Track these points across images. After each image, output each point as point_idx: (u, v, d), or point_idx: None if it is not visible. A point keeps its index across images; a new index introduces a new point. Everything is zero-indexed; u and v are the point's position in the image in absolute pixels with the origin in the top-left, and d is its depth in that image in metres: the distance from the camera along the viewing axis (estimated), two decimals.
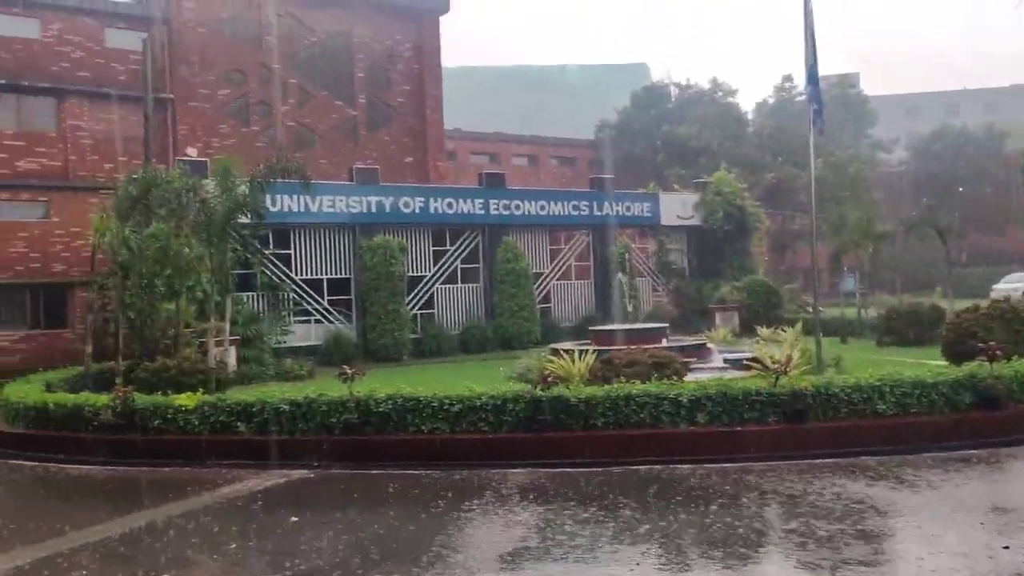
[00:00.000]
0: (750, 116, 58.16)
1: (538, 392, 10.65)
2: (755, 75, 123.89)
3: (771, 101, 58.43)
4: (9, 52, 27.71)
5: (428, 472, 9.97)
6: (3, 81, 27.44)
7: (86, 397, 12.57)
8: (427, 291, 26.15)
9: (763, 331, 19.75)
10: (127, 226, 15.25)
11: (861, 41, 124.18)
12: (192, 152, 27.66)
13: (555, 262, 29.03)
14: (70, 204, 27.96)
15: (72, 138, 28.37)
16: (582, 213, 28.81)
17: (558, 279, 29.10)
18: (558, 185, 44.16)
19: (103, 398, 12.16)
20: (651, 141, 51.34)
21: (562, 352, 15.23)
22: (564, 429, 10.47)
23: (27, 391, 13.73)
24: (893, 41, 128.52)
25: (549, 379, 11.08)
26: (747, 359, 14.34)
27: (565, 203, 28.64)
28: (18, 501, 10.19)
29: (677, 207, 31.37)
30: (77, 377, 16.01)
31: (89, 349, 15.60)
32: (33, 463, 11.67)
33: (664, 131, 50.81)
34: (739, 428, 10.28)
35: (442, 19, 36.25)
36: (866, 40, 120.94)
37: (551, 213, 28.14)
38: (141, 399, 11.85)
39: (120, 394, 11.79)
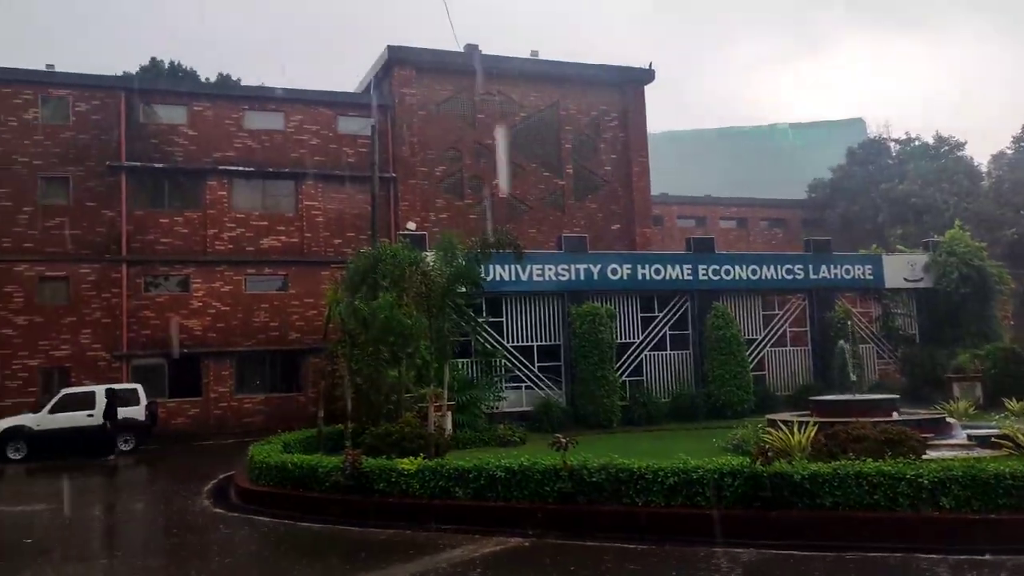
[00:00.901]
0: (984, 169, 53.75)
1: (758, 467, 10.19)
2: (989, 126, 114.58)
3: (1010, 152, 53.75)
4: (258, 143, 31.06)
5: (643, 546, 9.75)
6: (252, 169, 30.73)
7: (319, 459, 13.45)
8: (636, 358, 25.97)
9: (1013, 404, 17.85)
10: (356, 297, 16.38)
11: None
12: (412, 226, 29.44)
13: (768, 328, 27.94)
14: (305, 277, 30.64)
15: (308, 217, 31.16)
16: (797, 277, 27.66)
17: (772, 346, 27.95)
18: (769, 248, 42.92)
19: (335, 460, 12.97)
20: (870, 200, 48.64)
21: (780, 423, 14.53)
22: (786, 507, 9.91)
23: (268, 452, 14.89)
24: None
25: (768, 453, 10.57)
26: (996, 436, 12.99)
27: (778, 266, 27.62)
28: (259, 558, 10.97)
29: (903, 269, 29.37)
30: (311, 439, 17.20)
31: (322, 413, 16.74)
32: (272, 519, 12.55)
33: (883, 189, 47.99)
34: (992, 516, 9.24)
35: (648, 88, 36.64)
36: None
37: (763, 277, 27.23)
38: (368, 462, 12.49)
39: (350, 457, 12.51)
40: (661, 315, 26.53)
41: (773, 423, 15.63)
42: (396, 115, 32.49)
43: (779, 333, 28.16)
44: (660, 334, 26.46)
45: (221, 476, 17.30)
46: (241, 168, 30.36)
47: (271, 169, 30.74)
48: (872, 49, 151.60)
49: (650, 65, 36.25)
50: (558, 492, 10.90)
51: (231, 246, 30.03)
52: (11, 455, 23.17)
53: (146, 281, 29.22)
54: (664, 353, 26.46)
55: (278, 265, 30.57)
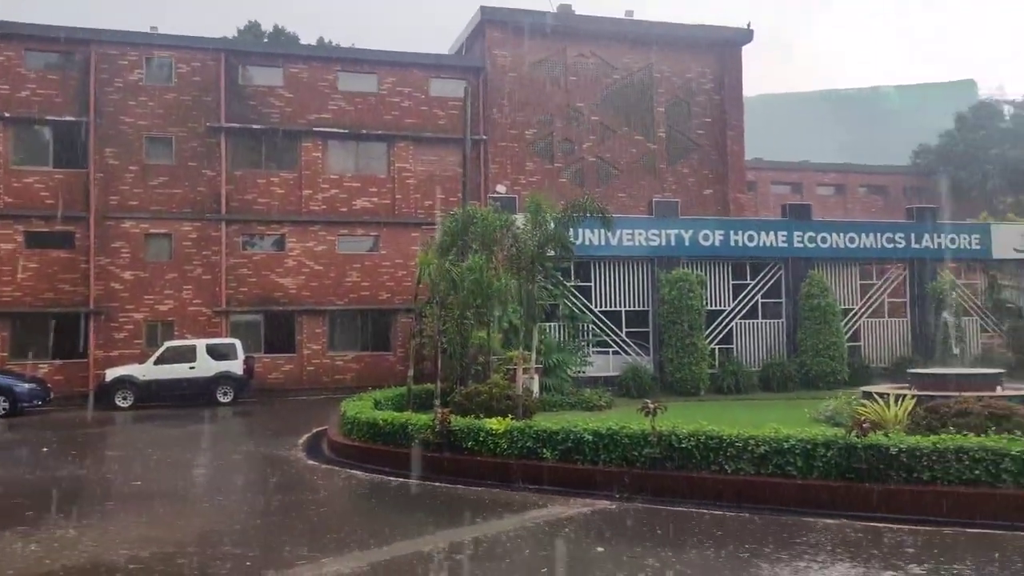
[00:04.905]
0: None
1: (852, 438, 9.96)
2: None
3: None
4: (352, 105, 31.50)
5: (731, 513, 9.69)
6: (346, 130, 31.23)
7: (409, 416, 13.76)
8: (726, 326, 25.58)
9: None
10: (447, 259, 16.56)
11: None
12: (502, 189, 29.49)
13: (866, 298, 27.09)
14: (396, 238, 31.11)
15: (399, 179, 31.54)
16: (897, 246, 26.66)
17: (869, 316, 27.11)
18: (868, 215, 41.43)
19: (424, 418, 13.25)
20: (980, 166, 46.34)
21: (875, 396, 14.14)
22: (881, 481, 9.68)
23: (360, 408, 15.32)
24: None
25: (864, 424, 10.31)
26: None
27: (878, 235, 26.67)
28: (352, 508, 11.34)
29: (1014, 239, 27.97)
30: (400, 397, 17.60)
31: (411, 372, 17.07)
32: (365, 473, 12.94)
33: (995, 154, 45.62)
34: None
35: (747, 48, 35.60)
36: None
37: (861, 245, 26.34)
38: (457, 421, 12.72)
39: (440, 415, 12.76)
40: (753, 283, 26.00)
41: (868, 395, 15.24)
42: (488, 77, 32.45)
43: (877, 303, 27.28)
44: (752, 302, 25.96)
45: (315, 430, 17.90)
46: (335, 130, 30.88)
47: (364, 131, 31.18)
48: (986, 4, 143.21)
49: (748, 25, 35.15)
50: (646, 457, 10.89)
51: (325, 207, 30.70)
52: (119, 403, 24.51)
53: (244, 240, 30.18)
54: (756, 321, 25.97)
55: (370, 226, 31.12)
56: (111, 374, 25.17)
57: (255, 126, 30.23)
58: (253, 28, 46.09)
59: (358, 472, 13.04)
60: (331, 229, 30.63)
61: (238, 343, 26.40)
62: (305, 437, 17.13)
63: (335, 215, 30.72)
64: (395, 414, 14.30)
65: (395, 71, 31.86)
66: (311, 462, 14.18)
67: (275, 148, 30.81)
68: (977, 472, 9.33)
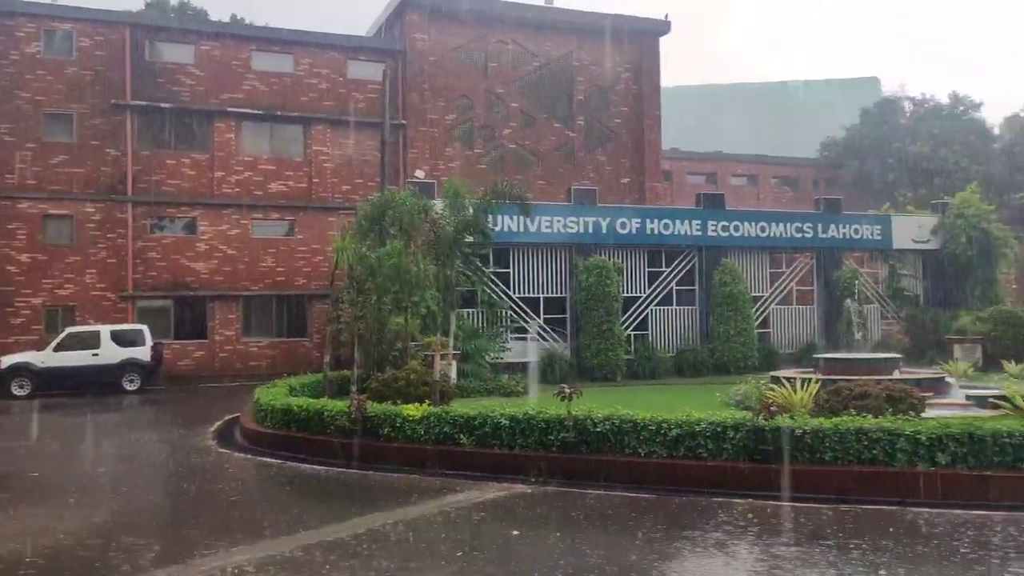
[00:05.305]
0: (996, 131, 53.23)
1: (760, 421, 10.28)
2: (1005, 88, 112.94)
3: (1023, 115, 53.08)
4: (267, 85, 30.76)
5: (644, 495, 9.89)
6: (261, 111, 30.47)
7: (325, 403, 13.57)
8: (642, 312, 26.03)
9: (1011, 366, 18.03)
10: (365, 244, 16.35)
11: None
12: (420, 174, 29.30)
13: (775, 286, 27.96)
14: (312, 223, 30.58)
15: (316, 162, 31.00)
16: (806, 235, 27.56)
17: (778, 304, 28.00)
18: (779, 206, 42.69)
19: (340, 404, 13.09)
20: (882, 160, 48.24)
21: (783, 380, 14.60)
22: (787, 461, 10.02)
23: (275, 394, 15.04)
24: None
25: (771, 408, 10.65)
26: (994, 397, 13.07)
27: (787, 224, 27.52)
28: (265, 497, 11.14)
29: (912, 230, 29.25)
30: (316, 383, 17.35)
31: (327, 358, 16.84)
32: (279, 461, 12.71)
33: (896, 148, 47.56)
34: (987, 473, 9.37)
35: (663, 39, 36.14)
36: None
37: (772, 235, 27.14)
38: (373, 408, 12.62)
39: (356, 402, 12.63)
40: (668, 270, 26.51)
41: (776, 380, 15.71)
42: (408, 61, 32.12)
43: (785, 291, 28.18)
44: (667, 289, 26.48)
45: (226, 418, 17.52)
46: (249, 111, 30.11)
47: (280, 113, 30.49)
48: (889, 5, 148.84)
49: (666, 16, 35.70)
50: (562, 441, 11.01)
51: (238, 189, 29.93)
52: (16, 391, 23.49)
53: (152, 222, 29.19)
54: (670, 308, 26.50)
55: (285, 210, 30.51)
56: (7, 361, 24.04)
57: (164, 104, 29.22)
58: (160, 2, 44.40)
59: (272, 460, 12.82)
60: (245, 213, 29.90)
61: (146, 329, 25.56)
62: (217, 425, 16.74)
63: (249, 198, 29.99)
64: (311, 401, 14.10)
65: (312, 52, 31.23)
66: (223, 450, 13.87)
67: (186, 128, 29.85)
68: (875, 452, 9.75)
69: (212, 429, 16.23)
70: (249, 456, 13.31)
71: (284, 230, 30.58)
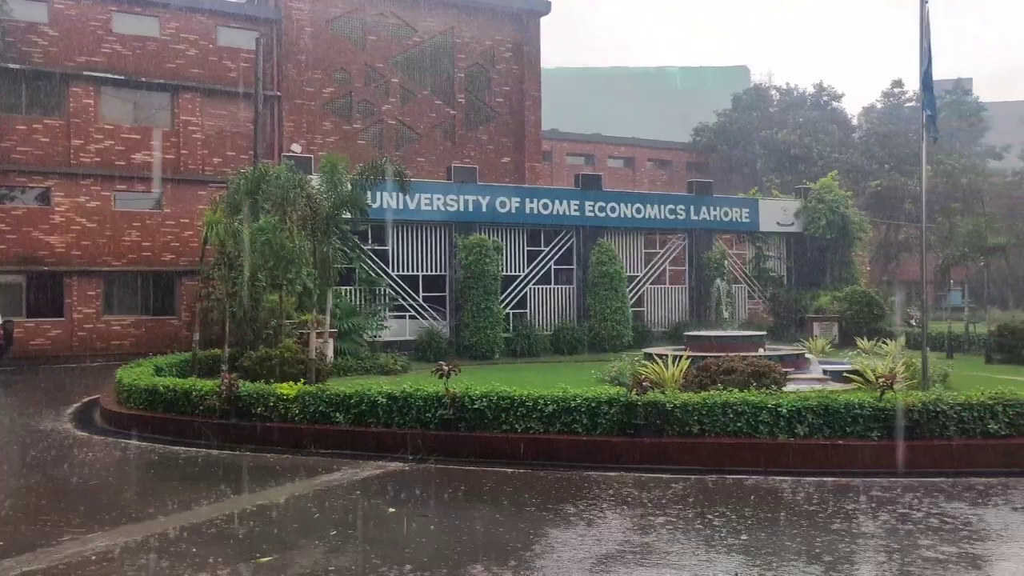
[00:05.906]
0: (855, 121, 56.38)
1: (633, 396, 10.55)
2: (862, 79, 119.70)
3: (879, 106, 56.44)
4: (129, 49, 29.13)
5: (521, 471, 9.99)
6: (123, 77, 28.85)
7: (193, 382, 13.06)
8: (520, 291, 26.26)
9: (863, 343, 19.26)
10: (237, 219, 15.78)
11: (973, 47, 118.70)
12: (297, 148, 28.50)
13: (649, 266, 28.75)
14: (181, 196, 29.27)
15: (184, 133, 29.65)
16: (679, 217, 28.44)
17: (652, 283, 28.83)
18: (654, 188, 43.81)
19: (210, 384, 12.63)
20: (751, 145, 50.32)
21: (656, 357, 15.06)
22: (658, 434, 10.35)
23: (139, 374, 14.36)
24: (1007, 47, 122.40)
25: (644, 383, 10.95)
26: (848, 371, 13.93)
27: (661, 206, 28.33)
28: (128, 480, 10.64)
29: (777, 213, 30.65)
30: (185, 363, 16.68)
31: (197, 336, 16.21)
32: (142, 443, 12.17)
33: (764, 135, 49.69)
34: (840, 442, 9.97)
35: (543, 20, 36.32)
36: (979, 46, 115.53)
37: (647, 216, 27.87)
38: (245, 387, 12.24)
39: (226, 381, 12.21)
40: (547, 249, 26.82)
41: (649, 356, 16.22)
42: (283, 30, 31.08)
43: (659, 271, 29.02)
44: (545, 268, 26.80)
45: (85, 399, 16.61)
46: (110, 75, 28.42)
47: (144, 79, 28.92)
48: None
49: None
50: (440, 419, 10.99)
51: (98, 159, 28.27)
52: None
53: (1, 192, 27.26)
54: (548, 287, 26.85)
55: (151, 182, 29.02)
56: None
57: (13, 65, 27.21)
58: None
59: (136, 443, 12.24)
60: (106, 184, 28.26)
61: None
62: (74, 407, 15.85)
63: (111, 168, 28.36)
64: (178, 380, 13.53)
65: (179, 15, 29.73)
66: (82, 433, 13.14)
67: (38, 91, 27.90)
68: (739, 424, 10.19)
69: (69, 411, 15.36)
70: (111, 439, 12.66)
71: (150, 203, 29.14)
